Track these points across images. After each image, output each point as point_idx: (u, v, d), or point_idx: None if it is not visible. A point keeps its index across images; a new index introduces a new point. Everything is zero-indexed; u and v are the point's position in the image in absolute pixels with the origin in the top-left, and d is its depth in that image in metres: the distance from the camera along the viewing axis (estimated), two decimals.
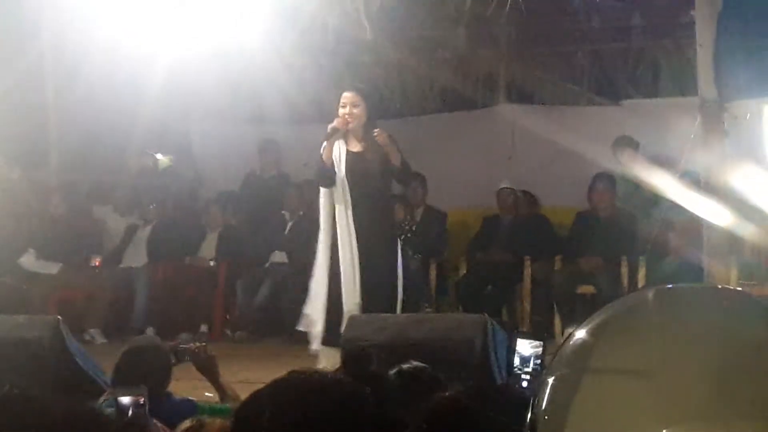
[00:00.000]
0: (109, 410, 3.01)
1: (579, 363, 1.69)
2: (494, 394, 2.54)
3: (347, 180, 6.99)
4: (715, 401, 1.53)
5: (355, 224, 6.94)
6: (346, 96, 7.03)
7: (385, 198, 7.19)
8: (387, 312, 6.53)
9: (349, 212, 6.95)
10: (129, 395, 3.04)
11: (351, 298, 6.90)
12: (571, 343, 1.76)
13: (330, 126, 6.98)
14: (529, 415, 1.73)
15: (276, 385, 2.25)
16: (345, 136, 7.04)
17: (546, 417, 1.68)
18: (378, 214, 6.99)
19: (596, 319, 1.80)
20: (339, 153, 7.04)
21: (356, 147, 7.05)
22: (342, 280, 6.95)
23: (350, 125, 6.96)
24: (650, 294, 1.83)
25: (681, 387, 1.55)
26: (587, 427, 1.60)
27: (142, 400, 3.03)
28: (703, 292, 1.91)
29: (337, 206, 7.01)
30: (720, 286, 1.97)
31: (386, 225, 7.10)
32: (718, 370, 1.56)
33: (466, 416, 2.34)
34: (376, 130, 6.96)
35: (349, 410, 2.20)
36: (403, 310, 8.84)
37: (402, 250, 9.77)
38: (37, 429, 2.16)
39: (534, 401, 1.73)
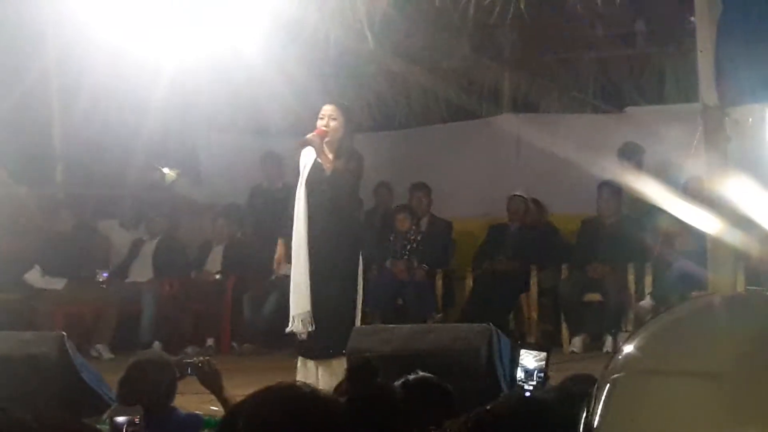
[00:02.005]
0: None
1: (642, 365, 1.68)
2: (533, 405, 2.53)
3: (307, 189, 7.01)
4: None
5: (308, 235, 6.96)
6: (326, 109, 7.05)
7: (346, 212, 7.13)
8: (342, 325, 6.56)
9: (305, 222, 6.99)
10: (125, 415, 3.05)
11: (300, 307, 6.93)
12: (628, 347, 1.74)
13: (307, 136, 7.00)
14: (582, 420, 1.71)
15: (253, 397, 2.27)
16: (318, 148, 7.06)
17: (606, 420, 1.66)
18: (334, 226, 6.98)
19: (656, 323, 1.79)
20: (308, 161, 7.07)
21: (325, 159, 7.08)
22: (291, 288, 7.02)
23: (326, 138, 6.97)
24: (716, 299, 1.84)
25: (753, 390, 1.54)
26: (653, 428, 1.59)
27: (137, 420, 3.04)
28: None
29: (295, 214, 7.05)
30: None
31: (343, 238, 7.02)
32: None
33: (508, 429, 2.33)
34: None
35: (320, 422, 2.21)
36: (410, 320, 8.88)
37: (407, 260, 9.87)
38: None
39: (590, 405, 1.70)
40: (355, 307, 6.98)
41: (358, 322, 6.90)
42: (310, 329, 6.90)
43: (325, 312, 6.85)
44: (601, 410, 1.67)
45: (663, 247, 8.98)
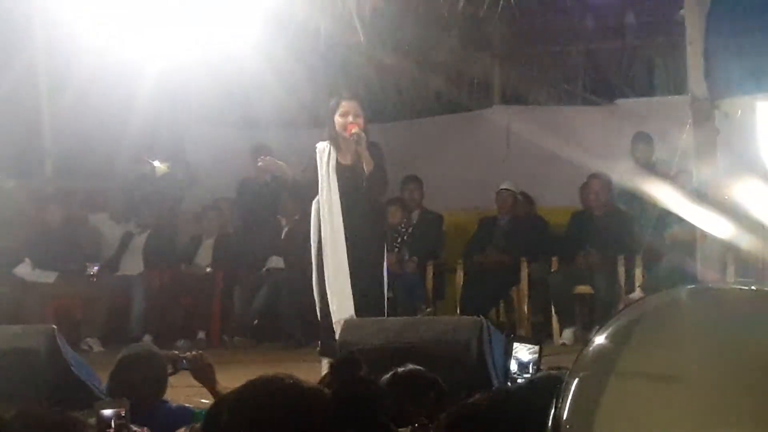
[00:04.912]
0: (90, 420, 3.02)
1: (607, 365, 1.64)
2: (511, 399, 2.53)
3: (339, 191, 6.88)
4: (754, 409, 1.48)
5: (346, 235, 6.83)
6: (348, 105, 6.87)
7: (377, 208, 7.09)
8: (377, 316, 6.45)
9: (340, 224, 6.84)
10: (112, 408, 3.05)
11: (343, 309, 6.79)
12: (596, 343, 1.71)
13: (354, 132, 6.78)
14: (551, 418, 1.68)
15: (237, 391, 2.28)
16: (336, 146, 6.93)
17: (570, 419, 1.64)
18: (369, 225, 6.89)
19: (623, 318, 1.75)
20: (329, 162, 6.93)
21: (348, 158, 6.96)
22: (330, 291, 6.85)
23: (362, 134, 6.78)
24: (683, 294, 1.78)
25: (717, 394, 1.51)
26: (618, 429, 1.56)
27: (123, 413, 3.04)
28: (740, 294, 1.82)
29: (327, 217, 6.89)
30: (757, 288, 1.85)
31: (376, 235, 6.98)
32: (757, 377, 1.50)
33: (486, 422, 2.32)
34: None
35: (304, 413, 2.21)
36: (401, 313, 8.87)
37: (398, 252, 9.86)
38: None
39: (556, 405, 1.68)
40: (383, 302, 6.90)
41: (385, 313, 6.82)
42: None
43: (362, 310, 6.69)
44: (569, 407, 1.65)
45: (653, 240, 8.99)
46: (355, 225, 6.86)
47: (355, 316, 6.67)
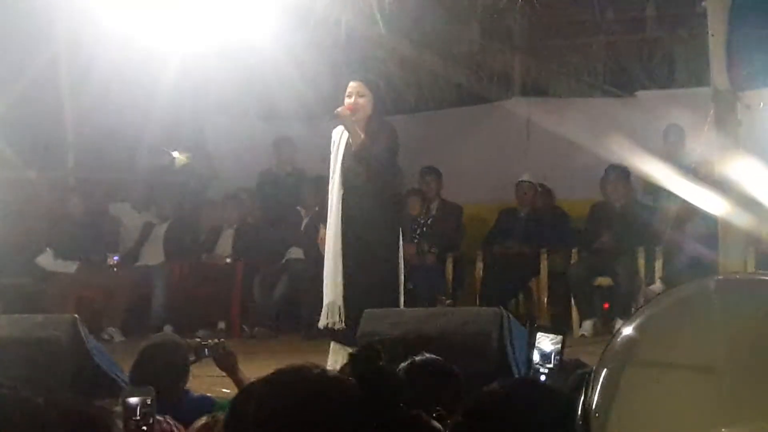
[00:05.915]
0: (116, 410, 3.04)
1: (636, 355, 1.67)
2: (532, 390, 2.54)
3: (343, 171, 6.81)
4: None
5: (343, 216, 6.73)
6: (352, 85, 6.82)
7: (384, 192, 6.87)
8: (384, 305, 6.26)
9: (341, 204, 6.75)
10: (137, 396, 3.07)
11: (332, 290, 6.70)
12: (625, 334, 1.72)
13: (335, 111, 6.81)
14: (579, 408, 1.69)
15: (264, 380, 2.29)
16: (348, 125, 6.87)
17: (600, 410, 1.65)
18: (373, 208, 6.74)
19: (651, 310, 1.76)
20: (339, 142, 6.89)
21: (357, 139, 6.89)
22: (325, 272, 6.77)
23: (355, 116, 6.74)
24: (711, 284, 1.79)
25: (747, 385, 1.52)
26: (644, 422, 1.58)
27: (149, 401, 3.06)
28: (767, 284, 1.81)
29: (332, 197, 6.84)
30: None
31: (383, 219, 6.78)
32: None
33: (506, 411, 2.33)
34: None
35: (333, 403, 2.22)
36: (420, 304, 8.88)
37: (417, 244, 9.87)
38: (27, 429, 2.16)
39: (585, 394, 1.70)
40: (397, 290, 6.76)
41: (401, 305, 6.70)
42: (340, 320, 6.62)
43: (364, 297, 6.49)
44: (598, 397, 1.67)
45: (673, 232, 8.98)
46: (358, 206, 6.76)
47: (342, 302, 6.62)
